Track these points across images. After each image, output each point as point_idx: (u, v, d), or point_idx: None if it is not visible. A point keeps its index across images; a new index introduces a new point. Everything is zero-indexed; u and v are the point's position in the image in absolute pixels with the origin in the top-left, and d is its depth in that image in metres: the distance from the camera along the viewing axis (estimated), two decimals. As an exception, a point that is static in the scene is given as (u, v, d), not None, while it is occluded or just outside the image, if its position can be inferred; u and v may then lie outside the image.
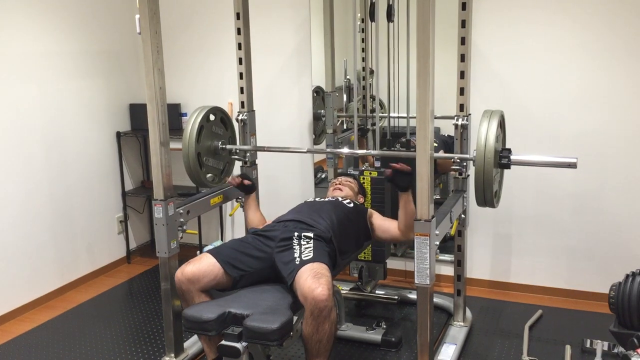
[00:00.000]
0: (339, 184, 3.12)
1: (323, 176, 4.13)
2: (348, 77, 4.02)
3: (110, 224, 4.27)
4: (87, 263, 4.07)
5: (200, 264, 2.48)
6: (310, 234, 2.54)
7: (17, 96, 3.50)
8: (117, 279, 4.13)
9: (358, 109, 3.88)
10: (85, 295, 3.84)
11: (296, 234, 2.53)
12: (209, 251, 2.56)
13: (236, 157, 3.30)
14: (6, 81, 3.42)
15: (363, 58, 3.89)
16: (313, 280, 2.26)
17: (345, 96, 4.11)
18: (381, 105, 3.87)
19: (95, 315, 3.58)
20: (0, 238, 3.44)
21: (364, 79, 3.92)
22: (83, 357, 3.07)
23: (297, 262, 2.39)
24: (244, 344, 2.17)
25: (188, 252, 4.19)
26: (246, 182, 3.11)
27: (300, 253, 2.44)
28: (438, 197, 3.77)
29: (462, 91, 2.91)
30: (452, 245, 3.12)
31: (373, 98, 3.95)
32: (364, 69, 3.91)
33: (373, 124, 3.84)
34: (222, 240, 4.34)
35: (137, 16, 2.53)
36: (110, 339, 3.25)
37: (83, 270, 4.04)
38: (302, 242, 2.50)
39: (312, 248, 2.47)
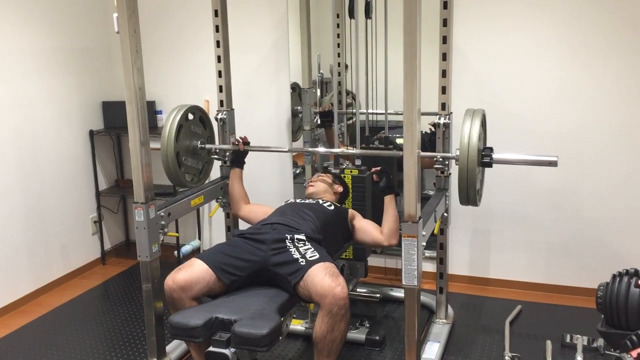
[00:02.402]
0: (313, 181, 3.10)
1: (297, 172, 4.11)
2: (322, 71, 4.00)
3: (84, 225, 4.17)
4: (61, 265, 3.97)
5: (192, 270, 2.40)
6: (302, 236, 2.52)
7: (-14, 95, 3.39)
8: (92, 281, 4.05)
9: (332, 104, 3.86)
10: (60, 299, 3.75)
11: (288, 236, 2.50)
12: (199, 257, 2.48)
13: (216, 156, 3.26)
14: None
15: (339, 54, 3.87)
16: (332, 278, 2.26)
17: (318, 91, 4.09)
18: (354, 99, 3.86)
19: (71, 319, 3.50)
20: (-29, 242, 3.34)
21: (339, 74, 3.90)
22: (61, 363, 3.00)
23: (303, 263, 2.37)
24: (233, 350, 2.13)
25: (166, 251, 4.15)
26: (246, 147, 3.10)
27: (303, 254, 2.41)
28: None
29: (443, 90, 2.91)
30: (433, 241, 3.13)
31: (348, 93, 3.94)
32: (339, 64, 3.88)
33: (349, 119, 3.83)
34: (200, 239, 4.29)
35: (115, 15, 2.45)
36: (89, 344, 3.18)
37: (57, 273, 3.94)
38: (298, 244, 2.47)
39: (314, 249, 2.45)
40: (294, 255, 2.41)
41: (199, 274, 2.40)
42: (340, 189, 3.11)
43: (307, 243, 2.48)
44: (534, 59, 3.39)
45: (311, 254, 2.41)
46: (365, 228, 2.88)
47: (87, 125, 4.13)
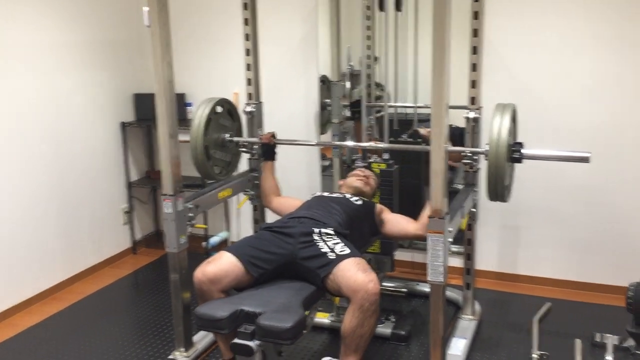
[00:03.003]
0: (366, 177, 3.04)
1: (326, 164, 4.10)
2: (351, 63, 3.98)
3: (116, 215, 4.25)
4: (93, 254, 4.06)
5: (221, 263, 2.42)
6: (330, 230, 2.52)
7: (22, 88, 3.46)
8: (123, 270, 4.12)
9: (361, 96, 3.85)
10: (92, 287, 3.83)
11: (316, 229, 2.50)
12: (228, 249, 2.49)
13: (243, 149, 3.27)
14: (11, 73, 3.38)
15: (369, 46, 3.85)
16: (364, 274, 2.27)
17: (348, 83, 4.07)
18: (383, 91, 3.84)
19: (102, 307, 3.58)
20: (8, 230, 3.42)
21: (368, 67, 3.88)
22: (92, 351, 3.06)
23: (332, 257, 2.37)
24: (257, 342, 2.15)
25: (194, 242, 4.20)
26: (274, 141, 3.12)
27: (332, 248, 2.41)
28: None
29: (473, 84, 2.88)
30: (461, 236, 3.10)
31: (377, 85, 3.92)
32: (368, 56, 3.86)
33: (377, 112, 3.80)
34: (228, 231, 4.32)
35: (146, 9, 2.48)
36: (118, 332, 3.25)
37: (89, 261, 4.02)
38: (325, 238, 2.47)
39: (343, 244, 2.45)
40: (323, 249, 2.41)
41: (228, 267, 2.41)
42: (375, 196, 3.09)
43: (335, 237, 2.48)
44: (568, 52, 3.32)
45: (341, 248, 2.41)
46: (396, 220, 2.87)
47: (118, 117, 4.19)
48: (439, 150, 2.19)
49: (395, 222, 2.86)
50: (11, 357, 3.03)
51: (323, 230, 2.50)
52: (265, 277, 2.46)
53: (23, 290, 3.54)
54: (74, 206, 3.87)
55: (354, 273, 2.27)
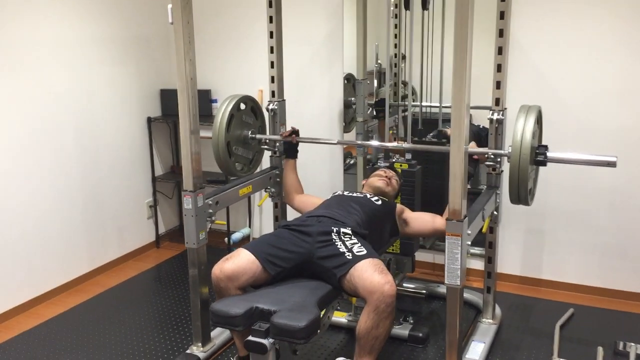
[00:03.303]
0: (388, 178, 3.00)
1: (352, 162, 4.09)
2: (379, 61, 3.96)
3: (140, 209, 4.30)
4: (117, 247, 4.12)
5: (239, 261, 2.42)
6: (348, 230, 2.50)
7: (50, 83, 3.52)
8: (146, 263, 4.18)
9: (388, 95, 3.83)
10: (115, 280, 3.89)
11: (334, 229, 2.49)
12: (246, 247, 2.49)
13: (266, 147, 3.28)
14: (39, 68, 3.45)
15: (396, 44, 3.83)
16: (380, 275, 2.25)
17: (375, 82, 4.05)
18: (413, 91, 3.81)
19: (124, 299, 3.63)
20: (34, 223, 3.50)
21: (395, 66, 3.86)
22: (112, 342, 3.11)
23: (349, 257, 2.35)
24: (271, 340, 2.15)
25: (217, 237, 4.25)
26: (296, 139, 3.14)
27: (349, 248, 2.40)
28: (469, 187, 3.69)
29: (498, 85, 2.83)
30: (483, 238, 3.06)
31: (404, 84, 3.89)
32: (396, 55, 3.84)
33: (404, 111, 3.78)
34: (250, 227, 4.35)
35: (170, 6, 2.50)
36: (139, 325, 3.29)
37: (113, 254, 4.09)
38: (344, 238, 2.46)
39: (360, 244, 2.43)
40: (340, 249, 2.40)
41: (245, 265, 2.42)
42: (396, 197, 3.07)
43: (353, 237, 2.47)
44: (595, 54, 3.25)
45: (358, 248, 2.39)
46: (420, 217, 2.86)
47: (145, 112, 4.24)
48: (458, 152, 2.16)
49: (420, 219, 2.85)
50: (35, 346, 3.10)
51: (342, 229, 2.49)
52: (282, 276, 2.46)
53: (48, 281, 3.61)
54: (99, 200, 3.93)
55: (371, 274, 2.26)
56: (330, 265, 2.38)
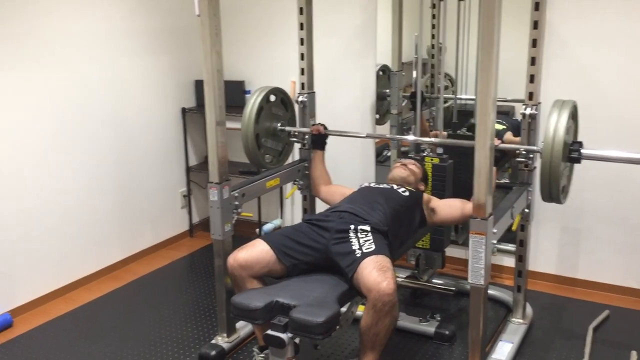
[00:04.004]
0: (404, 165, 2.99)
1: (388, 154, 4.04)
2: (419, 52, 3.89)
3: (174, 199, 4.36)
4: (150, 236, 4.19)
5: (253, 250, 2.46)
6: (367, 227, 2.47)
7: (85, 74, 3.58)
8: (179, 252, 4.23)
9: (427, 86, 3.76)
10: (148, 267, 3.96)
11: (352, 226, 2.47)
12: (262, 237, 2.52)
13: (295, 139, 3.27)
14: (74, 59, 3.51)
15: (433, 35, 3.76)
16: (379, 273, 2.22)
17: (414, 73, 3.98)
18: (451, 81, 3.74)
19: (155, 288, 3.69)
20: (71, 210, 3.58)
21: (433, 57, 3.79)
22: (142, 330, 3.17)
23: (358, 255, 2.33)
24: (290, 334, 2.15)
25: (248, 228, 4.27)
26: (325, 131, 3.15)
27: (361, 245, 2.38)
28: (507, 181, 3.60)
29: (532, 78, 2.74)
30: (515, 236, 2.98)
31: (446, 76, 3.81)
32: (433, 46, 3.77)
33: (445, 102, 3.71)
34: (282, 218, 4.35)
35: (197, -2, 2.50)
36: (168, 313, 3.34)
37: (147, 242, 4.15)
38: (360, 235, 2.43)
39: (372, 240, 2.41)
40: (353, 246, 2.37)
41: (259, 254, 2.44)
42: (422, 187, 3.02)
43: (369, 234, 2.44)
44: (635, 47, 3.10)
45: (368, 245, 2.36)
46: (448, 204, 2.81)
47: (179, 103, 4.28)
48: (483, 149, 2.11)
49: (448, 205, 2.80)
50: (68, 330, 3.18)
51: (360, 227, 2.47)
52: (299, 269, 2.46)
53: (82, 267, 3.70)
54: (134, 189, 4.00)
55: (370, 271, 2.23)
56: (343, 265, 2.36)
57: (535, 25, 2.69)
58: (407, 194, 2.79)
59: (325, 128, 3.18)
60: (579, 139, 2.64)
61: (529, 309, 3.12)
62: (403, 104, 3.85)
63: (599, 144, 2.58)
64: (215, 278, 2.86)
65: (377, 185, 2.88)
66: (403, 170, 2.95)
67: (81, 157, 3.61)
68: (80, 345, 3.03)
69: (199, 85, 4.35)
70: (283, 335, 2.14)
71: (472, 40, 3.53)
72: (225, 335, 2.89)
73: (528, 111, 2.73)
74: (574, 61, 3.26)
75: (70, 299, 3.52)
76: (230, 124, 2.97)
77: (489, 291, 2.97)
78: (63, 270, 3.58)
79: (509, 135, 3.36)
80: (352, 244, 2.39)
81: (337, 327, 2.20)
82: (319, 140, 3.17)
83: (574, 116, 2.60)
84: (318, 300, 2.21)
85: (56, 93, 3.43)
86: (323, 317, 2.09)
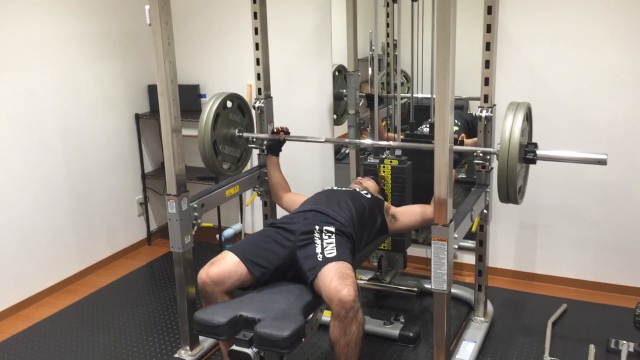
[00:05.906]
0: (359, 182, 3.03)
1: (347, 152, 4.04)
2: (374, 48, 3.89)
3: (130, 206, 4.26)
4: (107, 246, 4.08)
5: (224, 264, 2.40)
6: (332, 228, 2.46)
7: (33, 81, 3.46)
8: (137, 261, 4.15)
9: (382, 83, 3.77)
10: (105, 279, 3.86)
11: (317, 227, 2.46)
12: (230, 249, 2.47)
13: (253, 145, 3.23)
14: (21, 66, 3.39)
15: (388, 33, 3.77)
16: (339, 281, 2.20)
17: (370, 70, 3.99)
18: (406, 78, 3.75)
19: (115, 300, 3.60)
20: (20, 222, 3.46)
21: (388, 55, 3.80)
22: (101, 345, 3.09)
23: (320, 259, 2.32)
24: (255, 349, 2.12)
25: (209, 233, 4.21)
26: (284, 137, 3.11)
27: (323, 249, 2.36)
28: (464, 176, 3.65)
29: (486, 81, 2.77)
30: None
31: (402, 73, 3.84)
32: (388, 44, 3.78)
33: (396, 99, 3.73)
34: (241, 223, 4.31)
35: (147, 7, 2.43)
36: (128, 327, 3.27)
37: (103, 253, 4.05)
38: (324, 237, 2.42)
39: (334, 244, 2.39)
40: (316, 249, 2.36)
41: (230, 268, 2.39)
42: (385, 197, 3.05)
43: (332, 236, 2.42)
44: (587, 47, 3.18)
45: (330, 249, 2.35)
46: (408, 210, 2.82)
47: (133, 108, 4.18)
48: (442, 155, 2.12)
49: (408, 212, 2.81)
50: (23, 350, 3.07)
51: (325, 227, 2.46)
52: (267, 276, 2.43)
53: (36, 283, 3.58)
54: (88, 198, 3.89)
55: (330, 280, 2.21)
56: (305, 268, 2.35)
57: (489, 29, 2.71)
58: (369, 196, 2.80)
59: (287, 133, 3.14)
60: (534, 139, 2.68)
61: (489, 307, 3.17)
62: (360, 104, 3.85)
63: (552, 144, 2.64)
64: (176, 290, 2.80)
65: (340, 188, 2.88)
66: (359, 186, 2.97)
67: (32, 167, 3.49)
68: (37, 366, 2.94)
69: (152, 90, 4.26)
70: (248, 351, 2.12)
71: (426, 37, 3.55)
72: (188, 348, 2.84)
73: (484, 114, 2.76)
74: (526, 62, 3.31)
75: (24, 317, 3.40)
76: (185, 131, 2.91)
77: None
78: (15, 286, 3.45)
79: (464, 137, 3.40)
80: (316, 245, 2.38)
81: (303, 339, 2.17)
82: (276, 146, 3.14)
83: (528, 118, 2.64)
84: (283, 313, 2.19)
85: (3, 101, 3.30)
86: (288, 330, 2.07)
